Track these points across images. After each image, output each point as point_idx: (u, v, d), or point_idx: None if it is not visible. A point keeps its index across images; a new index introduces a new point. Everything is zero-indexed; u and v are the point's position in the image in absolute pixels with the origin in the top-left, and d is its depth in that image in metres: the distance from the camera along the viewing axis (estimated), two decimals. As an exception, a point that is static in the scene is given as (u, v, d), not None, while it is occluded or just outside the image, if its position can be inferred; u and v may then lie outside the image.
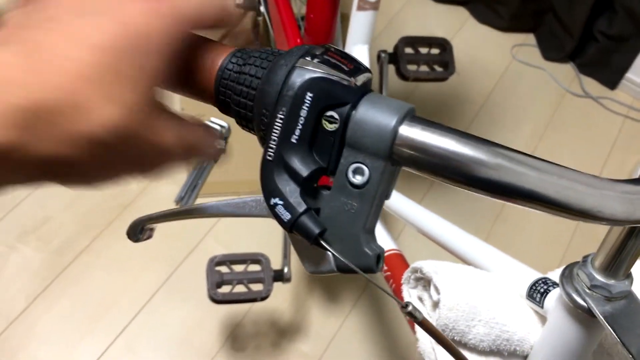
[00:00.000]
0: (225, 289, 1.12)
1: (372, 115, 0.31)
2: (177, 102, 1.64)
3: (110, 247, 1.40)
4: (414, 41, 1.29)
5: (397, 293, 0.85)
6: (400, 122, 0.31)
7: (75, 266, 1.36)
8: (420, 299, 0.60)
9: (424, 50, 1.30)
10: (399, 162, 0.32)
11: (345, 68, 0.32)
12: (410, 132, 0.31)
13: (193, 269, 1.39)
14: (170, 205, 1.48)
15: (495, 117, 1.82)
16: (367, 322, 1.37)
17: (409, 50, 1.28)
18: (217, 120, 1.67)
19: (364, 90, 0.33)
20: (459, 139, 0.31)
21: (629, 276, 0.44)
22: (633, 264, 0.44)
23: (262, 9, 1.46)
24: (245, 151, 1.61)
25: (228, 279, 1.12)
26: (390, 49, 1.29)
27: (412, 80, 1.26)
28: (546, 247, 1.55)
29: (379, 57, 1.23)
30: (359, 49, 1.09)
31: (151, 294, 1.35)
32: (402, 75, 1.25)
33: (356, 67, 0.33)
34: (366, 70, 0.33)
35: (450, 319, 0.54)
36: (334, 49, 0.33)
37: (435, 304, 0.56)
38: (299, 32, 1.23)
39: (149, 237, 0.45)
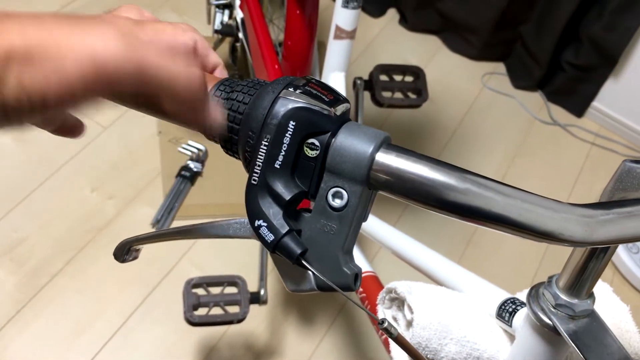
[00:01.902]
0: (201, 311, 1.12)
1: (351, 142, 0.34)
2: (155, 125, 1.65)
3: (86, 270, 1.39)
4: (389, 69, 1.32)
5: (372, 314, 0.87)
6: (376, 150, 0.34)
7: (50, 288, 1.35)
8: (395, 319, 0.62)
9: (398, 77, 1.34)
10: (376, 186, 0.34)
11: (326, 99, 0.35)
12: (386, 158, 0.34)
13: (169, 291, 1.39)
14: (146, 228, 1.48)
15: (466, 143, 1.86)
16: (342, 344, 1.38)
17: (383, 77, 1.31)
18: (195, 143, 1.68)
19: (343, 119, 0.35)
20: (431, 165, 0.33)
21: (591, 295, 0.47)
22: (595, 283, 0.46)
23: (240, 35, 1.48)
24: (221, 174, 1.63)
25: (205, 302, 1.13)
26: (366, 76, 1.32)
27: (387, 106, 1.29)
28: (517, 269, 1.58)
29: (354, 83, 1.27)
30: (335, 76, 1.12)
31: (126, 317, 1.34)
32: (377, 101, 1.29)
33: (336, 98, 0.35)
34: (345, 100, 0.36)
35: (423, 338, 0.56)
36: (315, 81, 0.36)
37: (409, 323, 0.58)
38: (277, 59, 1.25)
39: (135, 258, 0.46)
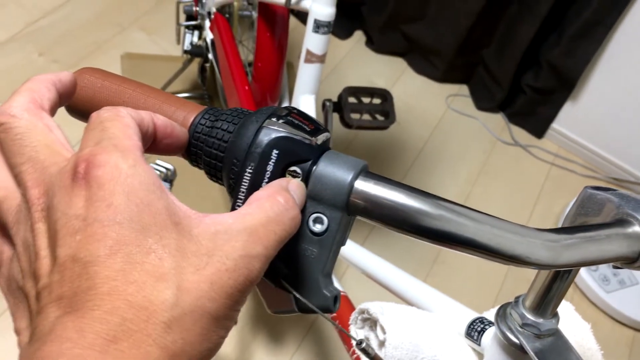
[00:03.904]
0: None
1: (331, 171, 0.35)
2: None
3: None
4: (357, 91, 1.35)
5: (342, 332, 0.88)
6: (355, 177, 0.35)
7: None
8: (367, 339, 0.63)
9: (366, 99, 1.37)
10: (354, 212, 0.36)
11: (307, 128, 0.36)
12: (365, 186, 0.35)
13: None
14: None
15: (432, 163, 1.90)
16: (311, 364, 1.39)
17: (352, 99, 1.33)
18: (162, 162, 1.68)
19: (324, 148, 0.37)
20: (407, 192, 0.35)
21: (555, 315, 0.49)
22: (559, 304, 0.48)
23: (210, 56, 1.49)
24: (190, 195, 1.62)
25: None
26: (333, 97, 1.34)
27: (355, 128, 1.31)
28: (481, 287, 1.62)
29: (324, 105, 1.29)
30: (306, 99, 1.14)
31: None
32: (346, 123, 1.31)
33: (317, 128, 0.37)
34: (325, 130, 0.37)
35: (395, 358, 0.57)
36: (297, 111, 0.37)
37: (382, 343, 0.59)
38: (247, 80, 1.27)
39: None
